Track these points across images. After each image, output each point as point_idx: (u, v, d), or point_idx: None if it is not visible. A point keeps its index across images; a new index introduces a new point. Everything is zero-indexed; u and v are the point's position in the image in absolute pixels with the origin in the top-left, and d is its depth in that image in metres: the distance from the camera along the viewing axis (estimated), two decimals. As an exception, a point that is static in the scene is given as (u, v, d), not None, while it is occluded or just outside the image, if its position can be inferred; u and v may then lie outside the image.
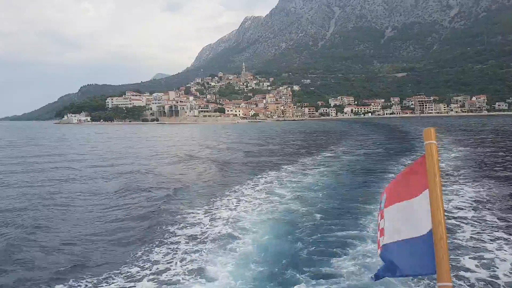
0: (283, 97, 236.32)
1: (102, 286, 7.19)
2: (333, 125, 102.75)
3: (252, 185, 16.46)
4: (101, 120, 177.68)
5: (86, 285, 7.26)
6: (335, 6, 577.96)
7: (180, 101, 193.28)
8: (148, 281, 7.05)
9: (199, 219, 10.95)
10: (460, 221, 10.26)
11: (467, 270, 7.25)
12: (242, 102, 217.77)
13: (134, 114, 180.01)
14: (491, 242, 8.66)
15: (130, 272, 7.56)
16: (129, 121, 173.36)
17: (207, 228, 10.09)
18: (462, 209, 11.54)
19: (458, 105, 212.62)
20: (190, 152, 33.25)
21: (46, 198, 14.71)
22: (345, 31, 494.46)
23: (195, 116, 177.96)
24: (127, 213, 12.34)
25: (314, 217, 10.98)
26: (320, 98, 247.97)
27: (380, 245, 1.83)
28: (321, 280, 7.04)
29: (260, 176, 18.82)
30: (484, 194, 13.43)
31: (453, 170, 19.18)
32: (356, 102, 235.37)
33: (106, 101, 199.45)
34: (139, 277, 7.34)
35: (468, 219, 10.51)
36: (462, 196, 13.11)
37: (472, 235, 9.14)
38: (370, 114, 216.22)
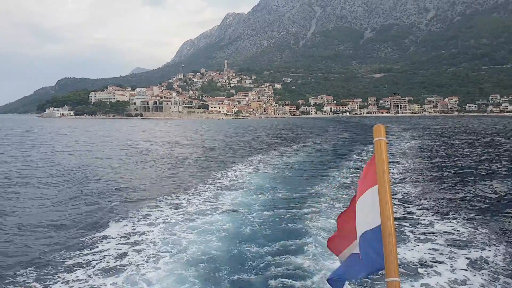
0: (265, 95, 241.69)
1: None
2: (313, 123, 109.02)
3: (247, 160, 22.60)
4: (85, 115, 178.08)
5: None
6: (316, 6, 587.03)
7: (165, 96, 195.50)
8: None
9: (218, 176, 17.85)
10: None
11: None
12: (225, 99, 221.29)
13: (118, 109, 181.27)
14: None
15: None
16: (113, 116, 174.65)
17: (223, 180, 16.73)
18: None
19: (432, 106, 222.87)
20: (203, 139, 44.05)
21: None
22: (325, 31, 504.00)
23: (179, 112, 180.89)
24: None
25: (286, 174, 18.34)
26: (300, 96, 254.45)
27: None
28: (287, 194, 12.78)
29: (252, 156, 25.21)
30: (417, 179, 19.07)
31: (401, 155, 25.09)
32: (335, 101, 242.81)
33: (89, 95, 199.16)
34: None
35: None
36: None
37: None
38: (348, 113, 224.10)
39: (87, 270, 7.05)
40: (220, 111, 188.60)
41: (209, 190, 14.50)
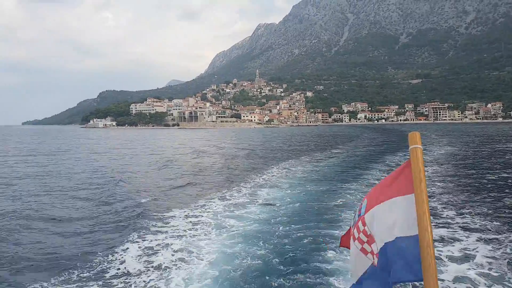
0: (297, 103, 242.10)
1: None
2: (345, 130, 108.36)
3: (280, 164, 24.46)
4: (126, 125, 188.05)
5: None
6: (349, 13, 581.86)
7: (199, 107, 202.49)
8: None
9: (254, 177, 19.98)
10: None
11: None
12: (256, 108, 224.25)
13: (157, 119, 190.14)
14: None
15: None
16: (152, 126, 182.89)
17: (258, 180, 18.76)
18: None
19: (473, 112, 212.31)
20: (237, 146, 47.91)
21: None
22: (359, 37, 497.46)
23: (213, 121, 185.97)
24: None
25: (316, 176, 19.76)
26: (333, 104, 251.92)
27: (375, 253, 1.77)
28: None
29: (285, 161, 26.97)
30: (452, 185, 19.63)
31: (433, 161, 25.46)
32: (370, 108, 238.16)
33: (130, 107, 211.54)
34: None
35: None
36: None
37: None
38: (383, 120, 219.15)
39: (164, 235, 10.12)
40: (252, 120, 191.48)
41: (247, 187, 16.80)
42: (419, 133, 1.62)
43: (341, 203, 12.99)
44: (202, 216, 11.83)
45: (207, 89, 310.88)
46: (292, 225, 10.49)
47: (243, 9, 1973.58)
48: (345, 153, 32.77)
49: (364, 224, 1.84)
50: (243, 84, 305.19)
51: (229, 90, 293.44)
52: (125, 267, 7.84)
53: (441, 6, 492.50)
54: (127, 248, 9.01)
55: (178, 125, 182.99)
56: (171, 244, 9.13)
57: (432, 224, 9.63)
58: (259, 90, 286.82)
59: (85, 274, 7.64)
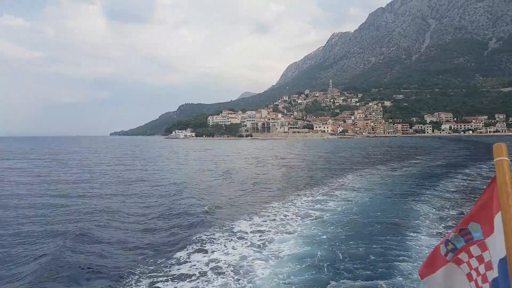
0: (373, 113, 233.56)
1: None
2: (427, 142, 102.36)
3: (355, 172, 26.09)
4: (204, 136, 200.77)
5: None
6: (431, 19, 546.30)
7: (272, 118, 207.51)
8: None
9: (330, 180, 21.46)
10: None
11: None
12: (329, 118, 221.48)
13: (232, 130, 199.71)
14: None
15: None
16: (227, 137, 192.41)
17: (333, 185, 20.66)
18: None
19: None
20: (311, 156, 51.91)
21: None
22: (442, 43, 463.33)
23: (285, 132, 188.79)
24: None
25: (392, 181, 21.28)
26: (414, 114, 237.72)
27: (489, 280, 1.65)
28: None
29: (360, 169, 28.21)
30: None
31: None
32: (455, 119, 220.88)
33: (208, 119, 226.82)
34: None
35: None
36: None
37: None
38: (470, 131, 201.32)
39: (265, 218, 13.18)
40: (324, 130, 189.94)
41: (325, 189, 19.12)
42: (505, 145, 1.53)
43: (412, 202, 14.76)
44: (290, 208, 14.76)
45: (279, 100, 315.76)
46: (363, 216, 12.76)
47: (315, 20, 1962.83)
48: (423, 164, 32.39)
49: (485, 249, 1.69)
50: (315, 95, 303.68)
51: (300, 101, 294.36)
52: (241, 229, 11.51)
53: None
54: (240, 224, 12.27)
55: (251, 136, 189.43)
56: (270, 224, 12.19)
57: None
58: (332, 100, 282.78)
59: (214, 230, 11.42)
